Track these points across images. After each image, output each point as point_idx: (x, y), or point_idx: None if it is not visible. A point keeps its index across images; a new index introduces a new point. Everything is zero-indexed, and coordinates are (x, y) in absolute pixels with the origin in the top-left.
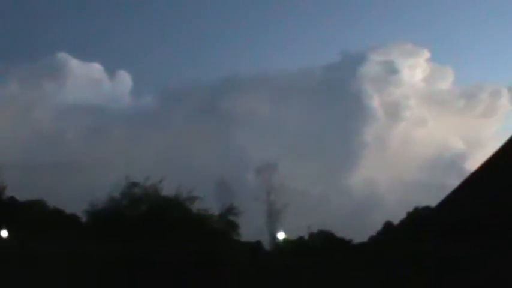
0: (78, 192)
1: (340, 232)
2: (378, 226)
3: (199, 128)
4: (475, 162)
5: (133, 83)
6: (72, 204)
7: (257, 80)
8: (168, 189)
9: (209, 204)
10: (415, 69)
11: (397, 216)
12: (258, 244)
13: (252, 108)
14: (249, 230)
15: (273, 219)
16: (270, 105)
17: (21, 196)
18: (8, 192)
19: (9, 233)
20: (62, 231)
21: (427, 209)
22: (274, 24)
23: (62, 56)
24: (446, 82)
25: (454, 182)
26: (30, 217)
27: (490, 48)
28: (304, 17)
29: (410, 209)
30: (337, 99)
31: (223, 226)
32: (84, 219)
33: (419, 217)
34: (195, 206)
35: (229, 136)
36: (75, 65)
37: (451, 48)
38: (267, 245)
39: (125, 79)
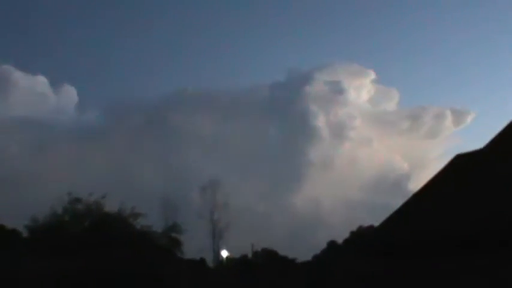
0: (19, 207)
1: (284, 250)
2: (322, 245)
3: (144, 144)
4: (418, 182)
5: (79, 98)
6: (13, 219)
7: (204, 96)
8: (111, 206)
9: (153, 221)
10: (361, 90)
11: (341, 235)
12: (201, 262)
13: (198, 125)
14: (193, 247)
15: (217, 237)
16: (217, 122)
17: None
18: None
19: None
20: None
21: (370, 228)
22: (223, 41)
23: (6, 68)
24: (391, 103)
25: (398, 202)
26: None
27: (434, 71)
28: (253, 35)
29: (354, 228)
30: (283, 118)
31: (167, 243)
32: (25, 234)
33: (362, 236)
34: (139, 223)
35: (174, 153)
36: (19, 77)
37: (397, 70)
38: (210, 262)
39: (70, 93)
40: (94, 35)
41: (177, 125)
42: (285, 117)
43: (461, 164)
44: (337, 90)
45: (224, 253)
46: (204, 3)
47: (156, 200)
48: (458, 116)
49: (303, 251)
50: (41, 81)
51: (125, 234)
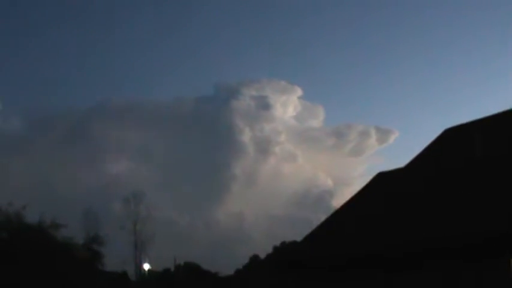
0: None
1: (207, 264)
2: (245, 259)
3: (67, 154)
4: (341, 199)
5: (1, 106)
6: None
7: (129, 108)
8: (32, 217)
9: (75, 232)
10: (287, 106)
11: (264, 250)
12: (123, 275)
13: (122, 137)
14: (116, 260)
15: (139, 250)
16: (141, 134)
17: None
18: None
19: None
20: None
21: (293, 243)
22: (149, 52)
23: None
24: (317, 120)
25: (321, 218)
26: None
27: (359, 88)
28: (180, 47)
29: (277, 243)
30: (209, 131)
31: (88, 255)
32: None
33: (285, 251)
34: (60, 234)
35: (98, 164)
36: None
37: (323, 87)
38: (133, 275)
39: None
40: (18, 43)
41: (101, 136)
42: (211, 131)
43: (383, 182)
44: (264, 105)
45: (146, 266)
46: (131, 13)
47: (79, 211)
48: (382, 134)
49: (226, 265)
50: None
51: (44, 246)
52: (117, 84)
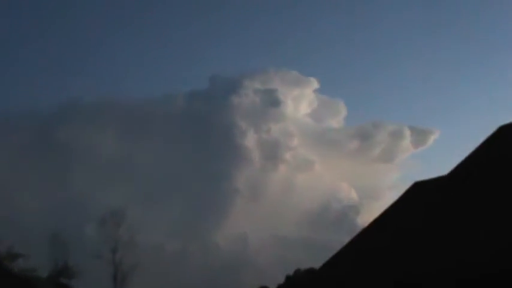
0: None
1: None
2: None
3: (29, 166)
4: (369, 215)
5: None
6: None
7: (103, 108)
8: None
9: (38, 263)
10: (301, 102)
11: (274, 279)
12: None
13: (95, 143)
14: None
15: (120, 282)
16: (119, 139)
17: None
18: None
19: None
20: None
21: (310, 271)
22: (127, 42)
23: None
24: (337, 119)
25: (344, 239)
26: None
27: (390, 80)
28: (167, 35)
29: (290, 271)
30: (203, 135)
31: None
32: None
33: (300, 280)
34: (18, 266)
35: (66, 177)
36: None
37: (344, 79)
38: None
39: None
40: None
41: (70, 142)
42: (206, 134)
43: (420, 193)
44: (271, 101)
45: None
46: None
47: (43, 237)
48: (419, 135)
49: None
50: None
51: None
52: (89, 80)
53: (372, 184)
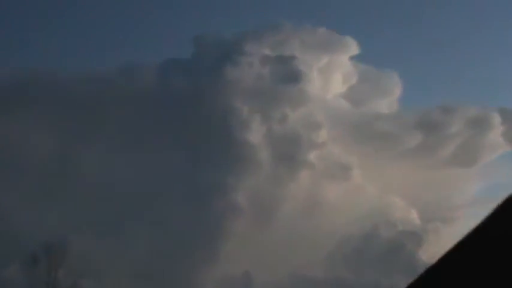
0: None
1: None
2: None
3: None
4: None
5: None
6: None
7: (29, 87)
8: None
9: None
10: (333, 75)
11: None
12: None
13: (18, 141)
14: None
15: None
16: (55, 134)
17: None
18: None
19: None
20: None
21: None
22: None
23: None
24: (388, 100)
25: (398, 283)
26: None
27: (465, 45)
28: None
29: None
30: (186, 126)
31: None
32: None
33: None
34: None
35: None
36: None
37: (398, 42)
38: None
39: None
40: None
41: None
42: (189, 124)
43: None
44: (287, 74)
45: None
46: None
47: None
48: None
49: None
50: None
51: None
52: (6, 49)
53: (442, 199)
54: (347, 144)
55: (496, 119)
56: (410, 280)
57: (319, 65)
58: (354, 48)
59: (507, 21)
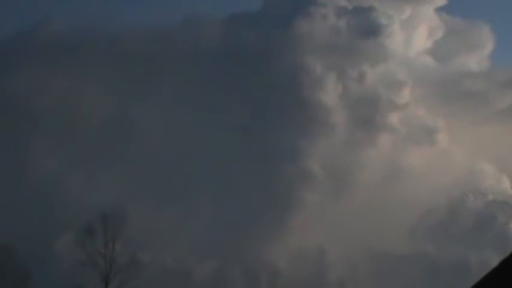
0: None
1: None
2: None
3: None
4: None
5: None
6: None
7: (80, 41)
8: None
9: None
10: (416, 28)
11: None
12: None
13: (68, 99)
14: None
15: None
16: (108, 91)
17: None
18: None
19: None
20: None
21: None
22: None
23: None
24: (478, 56)
25: (489, 258)
26: None
27: None
28: None
29: None
30: (253, 85)
31: None
32: None
33: None
34: None
35: (23, 154)
36: None
37: None
38: None
39: None
40: None
41: (27, 98)
42: (257, 84)
43: None
44: (366, 27)
45: None
46: None
47: None
48: None
49: None
50: None
51: None
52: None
53: None
54: (432, 105)
55: None
56: (502, 256)
57: (401, 17)
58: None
59: None
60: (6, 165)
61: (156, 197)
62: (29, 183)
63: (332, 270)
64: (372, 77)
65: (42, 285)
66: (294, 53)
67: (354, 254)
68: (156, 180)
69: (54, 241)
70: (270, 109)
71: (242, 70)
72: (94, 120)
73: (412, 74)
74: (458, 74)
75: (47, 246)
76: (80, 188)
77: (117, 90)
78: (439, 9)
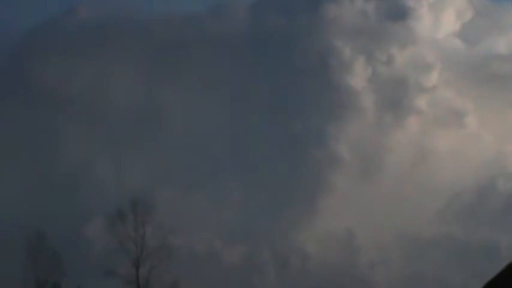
0: None
1: None
2: None
3: None
4: None
5: None
6: None
7: (108, 28)
8: None
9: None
10: (444, 11)
11: None
12: None
13: (97, 86)
14: None
15: None
16: (137, 78)
17: None
18: None
19: None
20: None
21: None
22: None
23: None
24: (505, 39)
25: None
26: None
27: None
28: None
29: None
30: (281, 69)
31: None
32: None
33: None
34: None
35: (53, 140)
36: None
37: None
38: None
39: None
40: None
41: (56, 85)
42: (284, 68)
43: None
44: (393, 11)
45: None
46: None
47: (18, 238)
48: None
49: None
50: None
51: None
52: None
53: None
54: (460, 87)
55: None
56: None
57: (429, 0)
58: None
59: None
60: (38, 151)
61: (186, 182)
62: (60, 168)
63: (361, 254)
64: (400, 60)
65: (73, 270)
66: (322, 37)
67: (383, 237)
68: (185, 165)
69: (85, 226)
70: (299, 93)
71: (270, 54)
72: (123, 106)
73: (440, 57)
74: (487, 57)
75: (78, 231)
76: (110, 173)
77: (146, 76)
78: None
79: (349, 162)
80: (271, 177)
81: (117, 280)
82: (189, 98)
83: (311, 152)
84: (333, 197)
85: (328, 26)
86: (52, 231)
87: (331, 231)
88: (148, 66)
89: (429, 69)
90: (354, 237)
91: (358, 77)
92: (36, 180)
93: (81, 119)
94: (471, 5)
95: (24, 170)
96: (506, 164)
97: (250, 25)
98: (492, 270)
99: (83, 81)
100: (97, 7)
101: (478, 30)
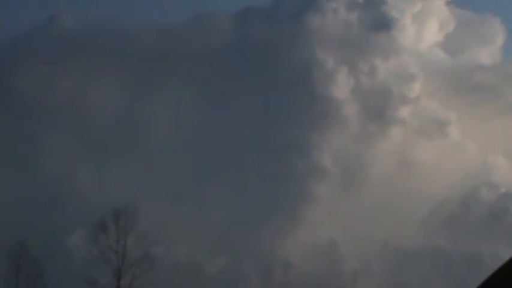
0: None
1: None
2: None
3: None
4: None
5: None
6: None
7: (91, 37)
8: None
9: None
10: (427, 22)
11: None
12: None
13: (80, 95)
14: None
15: None
16: (119, 87)
17: None
18: None
19: None
20: None
21: None
22: None
23: None
24: (489, 49)
25: (502, 252)
26: None
27: None
28: None
29: None
30: (265, 79)
31: None
32: None
33: None
34: None
35: (35, 150)
36: None
37: None
38: None
39: None
40: None
41: (38, 94)
42: (268, 78)
43: None
44: (377, 21)
45: None
46: None
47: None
48: None
49: None
50: None
51: None
52: None
53: None
54: (444, 98)
55: None
56: None
57: (412, 11)
58: None
59: None
60: (20, 161)
61: (168, 192)
62: (42, 178)
63: (345, 264)
64: (383, 70)
65: (55, 280)
66: (305, 47)
67: (366, 248)
68: (168, 175)
69: (67, 237)
70: (282, 103)
71: (254, 65)
72: (106, 116)
73: (423, 68)
74: (470, 67)
75: (59, 242)
76: (93, 183)
77: (129, 86)
78: (450, 3)
79: (332, 173)
80: (253, 187)
81: None
82: (172, 108)
83: (294, 162)
84: (316, 207)
85: (312, 36)
86: (34, 241)
87: (314, 242)
88: (131, 76)
89: (412, 80)
90: (337, 247)
91: (341, 87)
92: (18, 190)
93: (64, 128)
94: (454, 16)
95: (5, 180)
96: (489, 174)
97: (234, 35)
98: (476, 280)
99: (65, 90)
100: (79, 16)
101: (461, 41)
